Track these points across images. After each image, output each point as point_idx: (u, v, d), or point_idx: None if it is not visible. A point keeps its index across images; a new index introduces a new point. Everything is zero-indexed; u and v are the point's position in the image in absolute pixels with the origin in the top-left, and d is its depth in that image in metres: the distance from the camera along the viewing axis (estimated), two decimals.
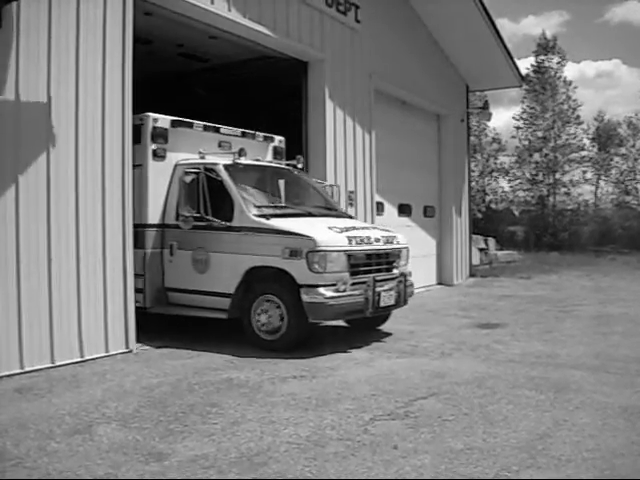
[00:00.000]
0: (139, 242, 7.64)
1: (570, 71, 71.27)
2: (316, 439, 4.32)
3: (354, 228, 7.50)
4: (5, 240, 5.87)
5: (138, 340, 7.10)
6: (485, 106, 17.83)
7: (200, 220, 7.39)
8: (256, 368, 6.25)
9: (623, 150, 35.45)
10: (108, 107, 6.80)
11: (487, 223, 30.46)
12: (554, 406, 5.04)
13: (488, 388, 5.53)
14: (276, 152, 9.46)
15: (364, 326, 8.09)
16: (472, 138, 30.14)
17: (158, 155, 7.80)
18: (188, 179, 7.59)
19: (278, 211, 7.62)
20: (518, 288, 13.98)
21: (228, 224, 7.30)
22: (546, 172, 33.17)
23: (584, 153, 33.99)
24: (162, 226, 7.87)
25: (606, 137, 35.21)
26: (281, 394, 5.37)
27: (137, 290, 7.56)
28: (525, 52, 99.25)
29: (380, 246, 7.51)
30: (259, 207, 7.45)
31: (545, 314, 9.90)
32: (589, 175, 34.80)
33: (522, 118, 34.01)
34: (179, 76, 12.49)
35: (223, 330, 7.74)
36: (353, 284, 6.97)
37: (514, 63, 15.85)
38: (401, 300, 7.64)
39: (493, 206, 34.63)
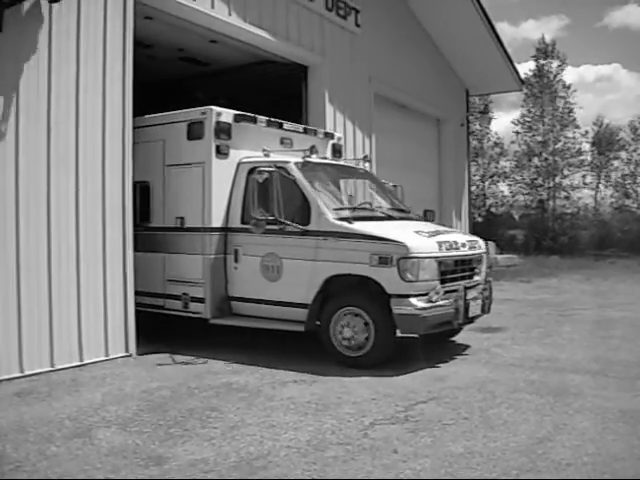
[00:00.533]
0: (197, 247, 7.30)
1: (570, 75, 71.42)
2: (316, 443, 4.32)
3: (439, 232, 7.00)
4: (5, 244, 5.88)
5: (138, 344, 7.08)
6: (485, 110, 17.89)
7: (273, 224, 6.80)
8: (255, 372, 6.24)
9: (624, 154, 35.47)
10: (109, 110, 6.81)
11: (487, 227, 30.41)
12: (554, 410, 5.03)
13: (488, 392, 5.53)
14: (335, 150, 9.01)
15: (436, 337, 7.23)
16: (474, 142, 30.17)
17: (221, 152, 7.28)
18: (259, 179, 6.86)
19: (359, 214, 7.10)
20: (518, 292, 13.97)
21: (304, 228, 6.74)
22: (546, 176, 33.19)
23: (582, 157, 34.02)
24: (225, 230, 7.35)
25: (606, 142, 35.21)
26: (281, 398, 5.36)
27: (197, 299, 7.31)
28: (525, 56, 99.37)
29: (466, 251, 6.96)
30: (338, 209, 6.94)
31: (545, 318, 9.89)
32: (589, 179, 34.83)
33: (520, 122, 34.04)
34: (179, 80, 12.51)
35: (223, 334, 7.72)
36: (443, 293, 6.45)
37: (514, 67, 15.89)
38: (486, 308, 7.11)
39: (493, 210, 34.61)
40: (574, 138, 33.45)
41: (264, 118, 7.71)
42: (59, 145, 6.32)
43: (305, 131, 8.40)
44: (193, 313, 7.39)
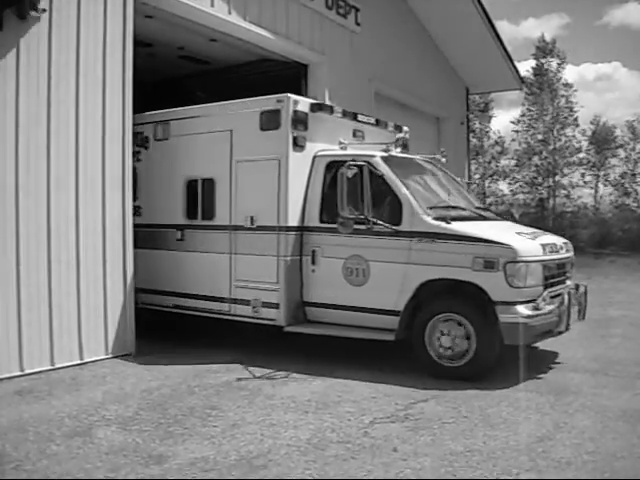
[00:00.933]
0: (271, 248, 6.73)
1: (570, 74, 71.36)
2: (316, 442, 4.32)
3: (537, 234, 6.55)
4: (5, 242, 5.88)
5: (138, 343, 7.06)
6: (485, 109, 17.89)
7: (360, 223, 6.28)
8: (255, 371, 6.23)
9: (622, 153, 35.49)
10: (108, 108, 6.81)
11: None
12: (554, 409, 5.03)
13: (488, 390, 5.53)
14: (403, 144, 8.19)
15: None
16: (474, 140, 30.15)
17: (298, 144, 6.72)
18: (348, 174, 6.25)
19: (454, 213, 6.50)
20: None
21: (396, 228, 6.22)
22: (546, 175, 33.23)
23: (582, 155, 34.08)
24: (301, 229, 6.80)
25: (603, 140, 35.22)
26: (281, 397, 5.37)
27: (270, 305, 6.77)
28: (525, 55, 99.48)
29: (564, 254, 6.52)
30: (432, 208, 6.36)
31: None
32: (588, 178, 34.85)
33: (519, 121, 34.04)
34: (179, 79, 12.50)
35: (223, 333, 7.72)
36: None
37: (514, 66, 15.88)
38: (581, 315, 6.63)
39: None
40: (574, 136, 33.52)
41: (340, 108, 7.25)
42: (59, 143, 6.32)
43: (377, 123, 7.82)
44: (265, 320, 6.84)
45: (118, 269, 6.92)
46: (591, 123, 36.47)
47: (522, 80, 17.52)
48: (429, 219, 6.16)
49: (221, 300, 7.16)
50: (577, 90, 43.81)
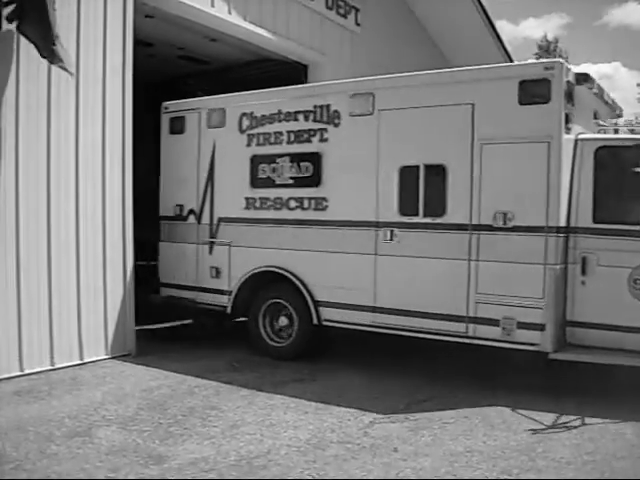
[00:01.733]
0: (533, 254, 5.49)
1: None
2: (316, 442, 4.32)
3: None
4: (5, 242, 5.87)
5: (138, 343, 7.05)
6: None
7: None
8: (255, 371, 6.24)
9: None
10: (109, 107, 6.79)
11: None
12: (554, 408, 5.02)
13: (488, 391, 5.52)
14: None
15: None
16: None
17: (568, 124, 5.55)
18: None
19: None
20: None
21: None
22: None
23: None
24: (567, 230, 5.65)
25: None
26: (281, 397, 5.36)
27: (528, 326, 5.50)
28: (525, 54, 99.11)
29: None
30: None
31: None
32: None
33: None
34: (179, 78, 12.50)
35: (223, 334, 7.72)
36: None
37: None
38: None
39: None
40: None
41: (596, 82, 6.01)
42: (59, 142, 6.30)
43: (608, 104, 6.72)
44: (522, 344, 5.56)
45: (118, 269, 6.91)
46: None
47: None
48: None
49: (455, 319, 5.84)
50: None
